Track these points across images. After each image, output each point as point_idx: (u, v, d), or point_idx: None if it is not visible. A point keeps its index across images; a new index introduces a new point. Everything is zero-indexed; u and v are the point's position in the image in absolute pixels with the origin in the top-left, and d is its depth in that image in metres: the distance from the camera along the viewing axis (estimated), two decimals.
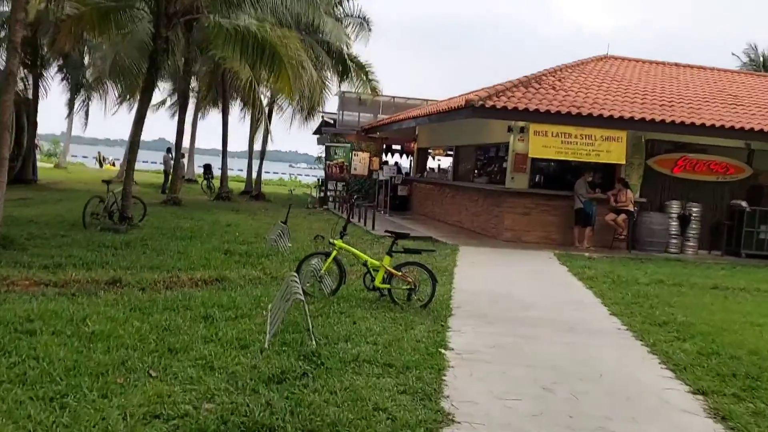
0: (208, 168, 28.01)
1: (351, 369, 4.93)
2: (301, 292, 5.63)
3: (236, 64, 16.84)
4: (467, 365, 5.48)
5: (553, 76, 16.47)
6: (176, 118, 25.37)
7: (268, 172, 70.04)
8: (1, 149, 9.15)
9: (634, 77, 18.08)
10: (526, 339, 6.62)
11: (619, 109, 14.72)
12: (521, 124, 14.89)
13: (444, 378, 5.06)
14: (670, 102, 15.92)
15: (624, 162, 14.84)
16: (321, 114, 28.74)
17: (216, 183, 29.03)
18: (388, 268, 7.43)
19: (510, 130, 15.14)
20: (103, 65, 17.08)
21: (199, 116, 34.32)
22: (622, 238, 15.40)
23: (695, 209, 15.77)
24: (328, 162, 24.13)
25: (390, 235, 7.99)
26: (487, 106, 13.72)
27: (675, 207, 15.82)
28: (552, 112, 14.04)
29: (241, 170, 65.58)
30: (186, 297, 7.04)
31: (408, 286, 7.44)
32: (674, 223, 15.73)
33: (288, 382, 4.48)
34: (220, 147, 24.00)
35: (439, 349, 5.83)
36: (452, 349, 5.93)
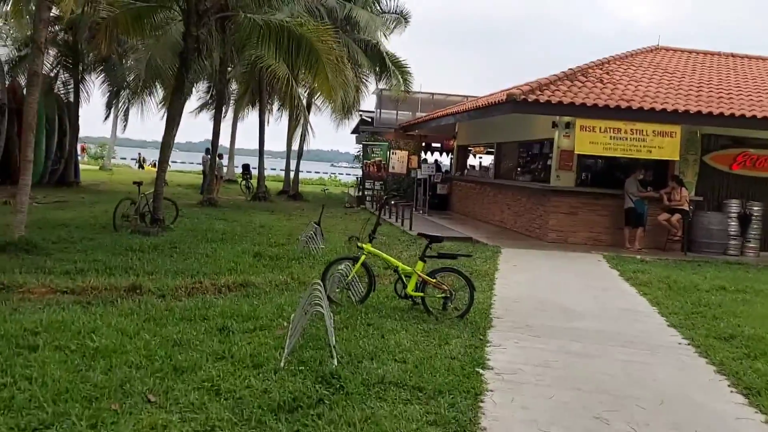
0: (246, 168, 27.86)
1: (374, 394, 4.37)
2: (323, 303, 5.10)
3: (273, 62, 16.47)
4: (508, 389, 4.86)
5: (600, 69, 15.58)
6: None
7: (309, 172, 70.28)
8: (25, 151, 8.91)
9: (688, 69, 17.01)
10: (575, 356, 5.94)
11: (673, 102, 13.76)
12: (567, 119, 14.08)
13: (481, 405, 4.46)
14: (728, 94, 14.84)
15: (678, 158, 13.88)
16: (359, 113, 28.30)
17: (255, 183, 29.08)
18: (421, 274, 6.84)
19: (555, 125, 14.35)
20: (139, 67, 16.97)
21: (239, 117, 34.25)
22: (676, 239, 14.43)
23: (756, 208, 14.68)
24: (365, 161, 23.62)
25: (424, 238, 7.36)
26: (529, 100, 12.97)
27: (734, 206, 14.76)
28: (600, 106, 13.19)
29: (282, 170, 66.10)
30: (206, 305, 6.60)
31: (443, 294, 6.83)
32: (733, 224, 14.67)
33: (301, 410, 3.95)
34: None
35: (477, 369, 5.21)
36: (491, 369, 5.30)
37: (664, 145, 13.32)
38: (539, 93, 13.25)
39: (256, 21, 12.57)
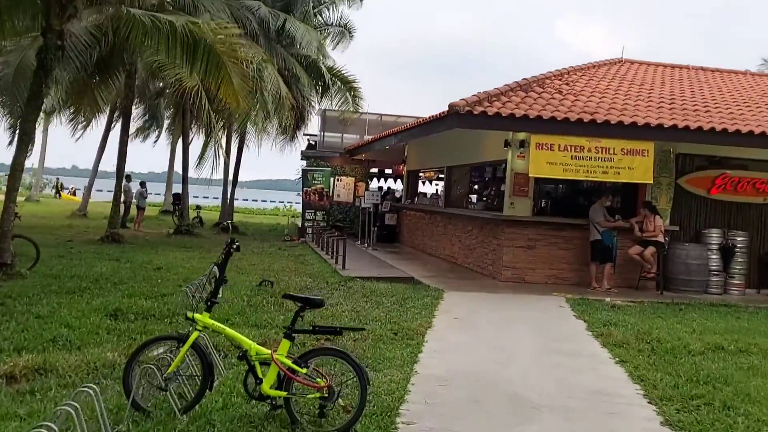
0: (176, 198, 25.10)
1: None
2: None
3: (179, 71, 14.05)
4: None
5: (559, 80, 13.55)
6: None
7: (265, 201, 67.47)
8: None
9: (657, 81, 15.13)
10: None
11: (644, 115, 11.74)
12: (521, 136, 11.95)
13: None
14: (704, 107, 12.93)
15: (651, 181, 11.81)
16: (306, 136, 25.94)
17: (194, 213, 26.35)
18: (284, 361, 4.34)
19: (507, 144, 12.20)
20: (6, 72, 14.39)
21: (178, 140, 31.49)
22: (650, 276, 12.34)
23: (740, 239, 12.74)
24: (305, 188, 21.21)
25: (293, 301, 4.78)
26: (475, 113, 10.79)
27: (715, 236, 12.79)
28: (558, 119, 11.09)
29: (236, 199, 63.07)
30: None
31: (319, 394, 4.34)
32: (715, 257, 12.66)
33: None
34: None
35: None
36: None
37: (634, 165, 11.24)
38: (487, 104, 11.09)
39: (139, 18, 10.17)
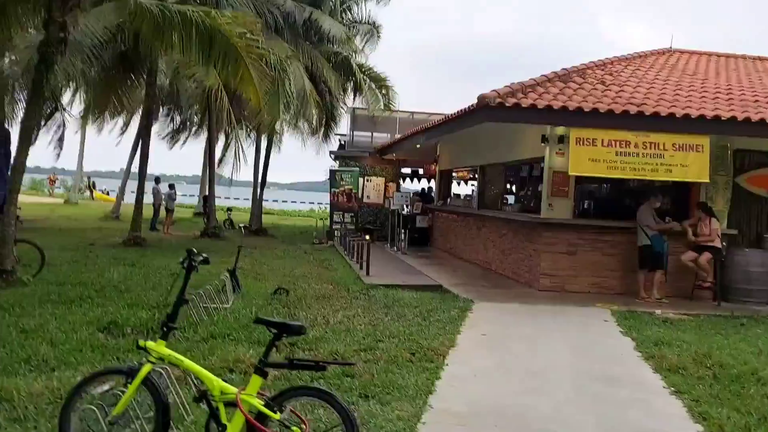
0: (206, 200, 24.65)
1: None
2: None
3: (197, 68, 13.44)
4: None
5: (602, 70, 12.46)
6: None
7: (304, 203, 67.16)
8: None
9: (711, 71, 13.87)
10: None
11: (698, 107, 10.57)
12: (560, 131, 10.91)
13: None
14: (766, 99, 11.64)
15: (708, 179, 10.62)
16: (338, 136, 25.21)
17: (222, 216, 25.90)
18: (253, 402, 3.46)
19: (545, 140, 11.17)
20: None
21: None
22: (706, 285, 11.13)
23: None
24: (333, 189, 20.44)
25: (266, 327, 3.75)
26: (508, 105, 9.81)
27: None
28: (601, 111, 10.02)
29: (267, 200, 62.87)
30: None
31: None
32: None
33: None
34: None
35: None
36: None
37: (688, 162, 10.09)
38: (521, 96, 10.10)
39: (147, 7, 9.53)
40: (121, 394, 3.57)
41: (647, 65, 13.65)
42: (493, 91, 9.99)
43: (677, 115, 10.08)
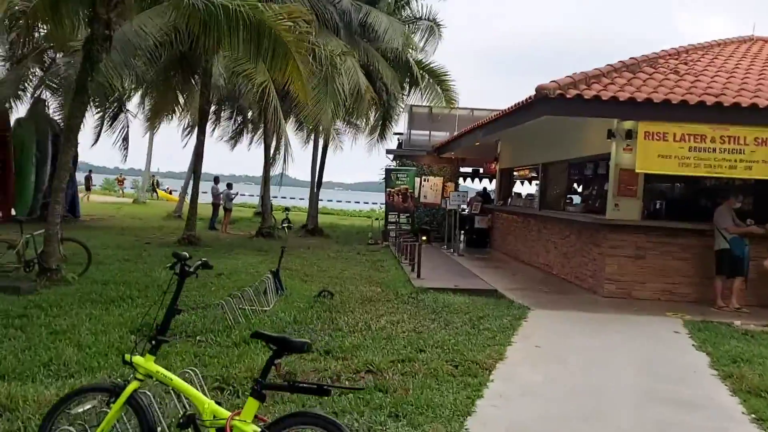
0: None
1: None
2: None
3: (248, 66, 13.27)
4: None
5: (675, 59, 11.48)
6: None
7: (367, 203, 67.17)
8: None
9: None
10: None
11: None
12: (628, 125, 10.06)
13: None
14: None
15: None
16: (397, 135, 24.76)
17: (281, 216, 25.92)
18: (245, 429, 2.97)
19: (611, 135, 10.34)
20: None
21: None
22: None
23: None
24: (388, 189, 19.99)
25: (265, 342, 3.29)
26: (568, 96, 9.08)
27: None
28: (674, 102, 9.14)
29: (339, 202, 63.02)
30: None
31: None
32: None
33: None
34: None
35: None
36: None
37: None
38: (584, 87, 9.34)
39: (192, 3, 9.35)
40: (105, 413, 3.20)
41: (726, 54, 12.54)
42: (553, 81, 9.27)
43: (760, 106, 9.07)
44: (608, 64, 10.34)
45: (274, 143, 17.33)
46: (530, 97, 9.78)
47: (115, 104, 21.16)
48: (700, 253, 10.39)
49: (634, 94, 9.24)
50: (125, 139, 21.34)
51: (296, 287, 10.27)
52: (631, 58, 10.83)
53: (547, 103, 9.20)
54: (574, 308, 9.49)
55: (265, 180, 19.93)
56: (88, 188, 39.07)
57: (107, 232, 17.73)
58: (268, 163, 19.33)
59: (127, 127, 21.47)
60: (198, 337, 6.74)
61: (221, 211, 22.14)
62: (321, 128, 15.90)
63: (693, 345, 7.40)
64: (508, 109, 11.53)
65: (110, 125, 21.08)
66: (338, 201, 62.98)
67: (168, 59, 16.15)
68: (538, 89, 9.12)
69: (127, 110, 21.12)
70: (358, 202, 67.86)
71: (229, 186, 22.00)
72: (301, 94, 10.96)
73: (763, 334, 8.12)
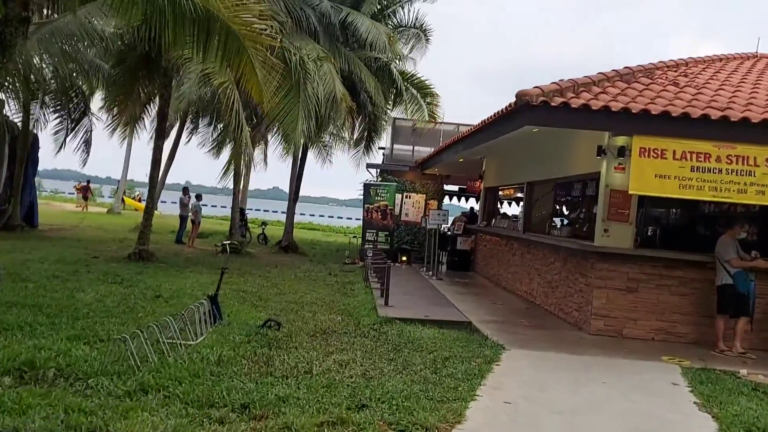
0: (242, 213, 23.39)
1: None
2: None
3: (209, 64, 12.07)
4: None
5: (674, 71, 10.39)
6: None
7: (350, 218, 65.96)
8: None
9: None
10: None
11: None
12: (621, 140, 8.91)
13: None
14: None
15: None
16: (381, 149, 23.57)
17: (259, 230, 24.60)
18: None
19: (602, 152, 9.17)
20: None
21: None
22: None
23: None
24: (367, 205, 18.76)
25: None
26: (553, 104, 7.91)
27: None
28: (674, 114, 7.99)
29: (323, 216, 61.69)
30: None
31: None
32: None
33: None
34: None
35: None
36: None
37: None
38: (572, 95, 8.18)
39: None
40: None
41: (729, 69, 11.48)
42: (536, 87, 8.10)
43: None
44: (600, 72, 9.20)
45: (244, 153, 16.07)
46: (511, 105, 8.60)
47: (81, 106, 20.02)
48: (699, 288, 9.22)
49: (628, 104, 8.09)
50: (87, 143, 20.12)
51: (242, 314, 9.00)
52: (625, 67, 9.71)
53: (529, 111, 8.02)
54: (556, 348, 8.25)
55: (235, 193, 18.66)
56: (85, 198, 37.09)
57: (57, 244, 16.39)
58: (239, 173, 18.08)
59: (90, 131, 20.27)
60: (88, 381, 5.42)
61: (190, 224, 20.84)
62: (290, 137, 14.66)
63: (695, 403, 6.16)
64: (488, 119, 10.36)
65: (73, 129, 19.87)
66: (330, 216, 61.80)
67: (134, 59, 15.01)
68: (519, 95, 7.94)
69: (92, 113, 19.93)
70: (350, 218, 66.73)
71: (198, 197, 20.71)
72: (256, 92, 9.78)
73: None
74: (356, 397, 5.47)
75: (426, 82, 20.13)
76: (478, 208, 21.15)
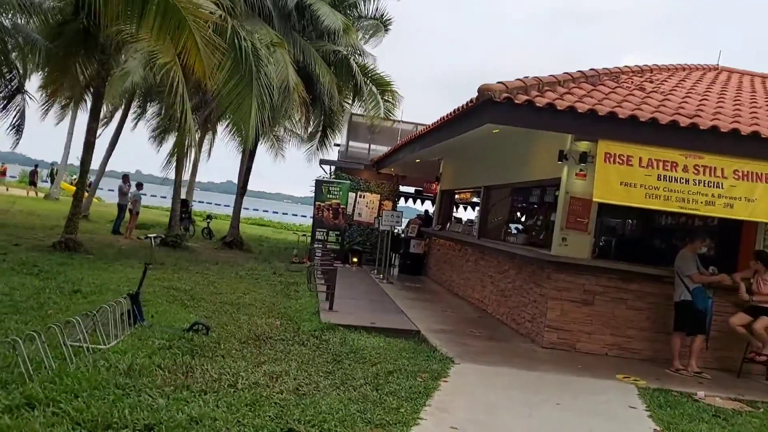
0: (184, 204, 22.28)
1: None
2: None
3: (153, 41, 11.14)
4: None
5: (639, 76, 10.02)
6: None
7: (304, 216, 64.98)
8: None
9: None
10: None
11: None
12: (583, 145, 8.45)
13: None
14: None
15: None
16: (336, 146, 22.81)
17: (204, 224, 23.60)
18: None
19: (563, 157, 8.69)
20: None
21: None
22: (761, 358, 8.51)
23: None
24: (317, 202, 18.00)
25: None
26: (517, 102, 7.37)
27: None
28: (642, 119, 7.55)
29: (276, 213, 60.46)
30: None
31: None
32: None
33: None
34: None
35: None
36: None
37: (756, 195, 7.52)
38: (536, 94, 7.65)
39: None
40: None
41: (694, 78, 11.22)
42: (500, 83, 7.55)
43: (742, 133, 7.58)
44: (565, 72, 8.72)
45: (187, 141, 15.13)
46: (472, 100, 8.02)
47: (14, 82, 18.62)
48: (655, 302, 8.84)
49: (594, 106, 7.61)
50: (19, 124, 18.74)
51: (168, 315, 8.17)
52: (591, 69, 9.27)
53: (491, 107, 7.45)
54: (508, 362, 7.71)
55: (177, 184, 17.64)
56: (32, 183, 35.80)
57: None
58: (181, 162, 17.07)
59: (23, 109, 18.89)
60: None
61: (128, 214, 19.69)
62: (243, 129, 13.79)
63: (655, 430, 5.68)
64: (448, 115, 9.77)
65: (4, 107, 18.46)
66: (283, 213, 60.60)
67: (71, 33, 13.90)
68: (482, 90, 7.36)
69: (25, 91, 18.58)
70: (304, 216, 65.60)
71: (139, 186, 19.58)
72: (199, 68, 8.99)
73: (735, 413, 6.50)
74: (283, 419, 4.79)
75: (386, 78, 19.53)
76: (433, 211, 20.66)
